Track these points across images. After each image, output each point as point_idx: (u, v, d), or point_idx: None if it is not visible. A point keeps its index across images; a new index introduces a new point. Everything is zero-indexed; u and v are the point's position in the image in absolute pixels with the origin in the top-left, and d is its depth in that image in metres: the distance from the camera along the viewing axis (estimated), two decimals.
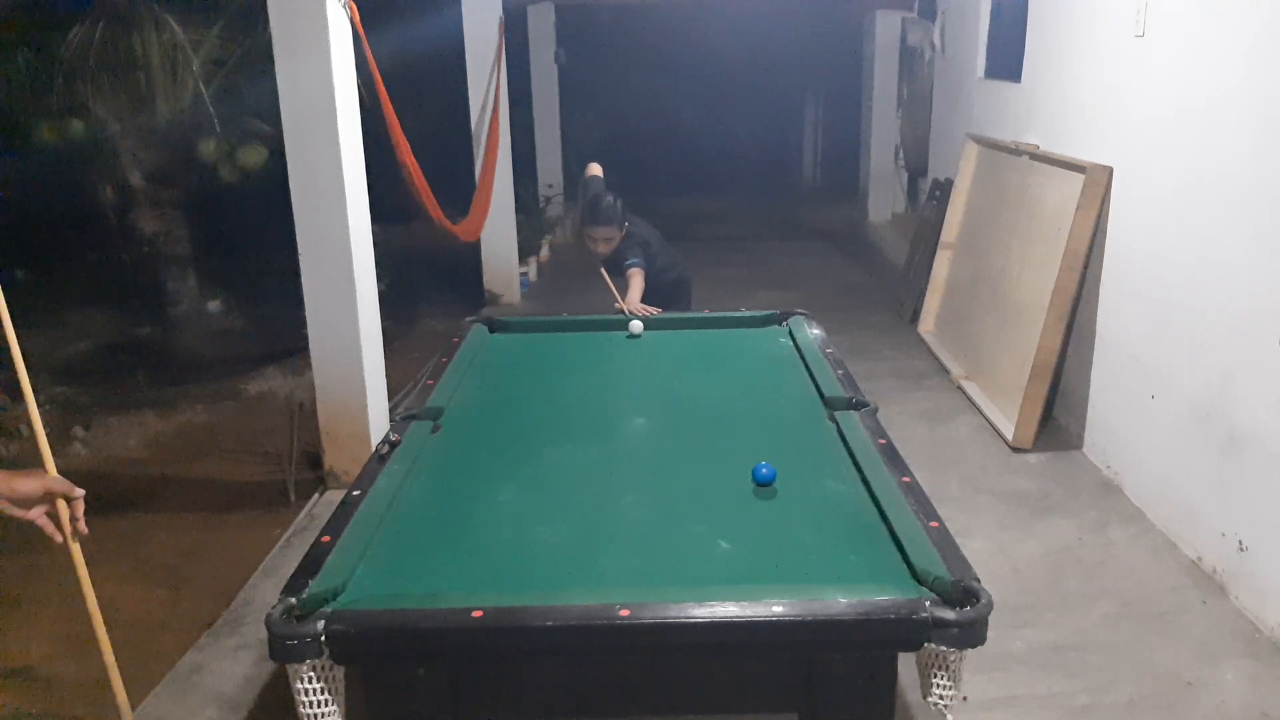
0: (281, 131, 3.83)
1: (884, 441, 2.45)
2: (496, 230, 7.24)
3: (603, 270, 4.24)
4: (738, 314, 3.82)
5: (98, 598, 1.95)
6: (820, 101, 13.01)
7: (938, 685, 1.72)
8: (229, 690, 2.91)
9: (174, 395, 5.66)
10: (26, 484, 1.74)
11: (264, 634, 1.68)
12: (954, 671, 1.70)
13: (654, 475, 2.38)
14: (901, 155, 9.25)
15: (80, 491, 1.82)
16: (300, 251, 3.93)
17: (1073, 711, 2.73)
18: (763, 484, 2.29)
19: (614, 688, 1.85)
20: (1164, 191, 3.78)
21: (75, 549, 1.86)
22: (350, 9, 3.80)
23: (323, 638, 1.65)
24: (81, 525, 1.82)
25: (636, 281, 4.18)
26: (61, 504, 1.80)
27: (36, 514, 1.77)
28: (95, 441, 5.08)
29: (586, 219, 4.31)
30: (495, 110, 6.97)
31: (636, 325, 3.66)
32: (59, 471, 1.83)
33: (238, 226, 6.86)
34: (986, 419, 4.83)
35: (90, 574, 1.94)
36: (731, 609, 1.68)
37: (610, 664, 1.83)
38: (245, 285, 7.06)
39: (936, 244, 6.35)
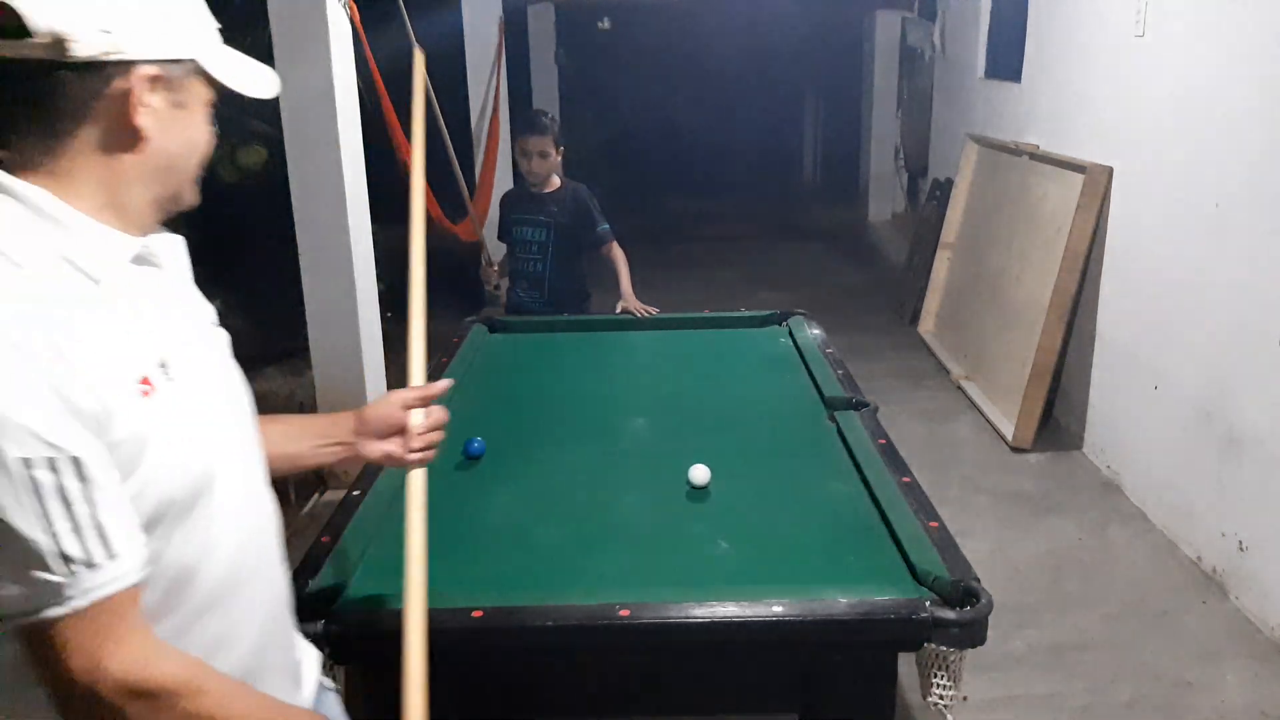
0: (281, 131, 3.83)
1: (884, 441, 2.45)
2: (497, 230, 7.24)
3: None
4: (738, 314, 3.82)
5: None
6: (820, 101, 13.01)
7: (938, 685, 1.71)
8: None
9: None
10: (381, 412, 1.47)
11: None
12: (954, 671, 1.70)
13: (654, 475, 2.38)
14: (901, 155, 9.25)
15: (439, 389, 1.53)
16: (300, 251, 3.93)
17: (1073, 711, 2.73)
18: (473, 457, 2.40)
19: (614, 688, 1.85)
20: (1164, 192, 3.78)
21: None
22: (350, 9, 3.80)
23: (323, 638, 1.65)
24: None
25: (623, 259, 3.78)
26: (415, 421, 1.48)
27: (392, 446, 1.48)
28: None
29: (518, 129, 3.84)
30: (495, 110, 6.97)
31: (700, 473, 2.24)
32: None
33: (237, 226, 6.85)
34: (986, 419, 4.83)
35: None
36: (731, 609, 1.68)
37: (610, 664, 1.83)
38: (245, 285, 7.06)
39: (936, 244, 6.35)
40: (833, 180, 12.29)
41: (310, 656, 1.43)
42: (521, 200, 3.87)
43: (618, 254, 3.82)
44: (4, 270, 0.96)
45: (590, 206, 3.81)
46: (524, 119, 3.89)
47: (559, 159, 3.75)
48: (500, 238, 4.06)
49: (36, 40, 0.95)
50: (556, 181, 3.80)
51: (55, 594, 0.95)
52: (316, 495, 4.13)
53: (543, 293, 3.85)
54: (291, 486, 4.27)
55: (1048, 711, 2.73)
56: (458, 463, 2.49)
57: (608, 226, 3.82)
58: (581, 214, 3.79)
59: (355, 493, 2.21)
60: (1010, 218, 5.26)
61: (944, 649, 1.67)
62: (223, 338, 1.26)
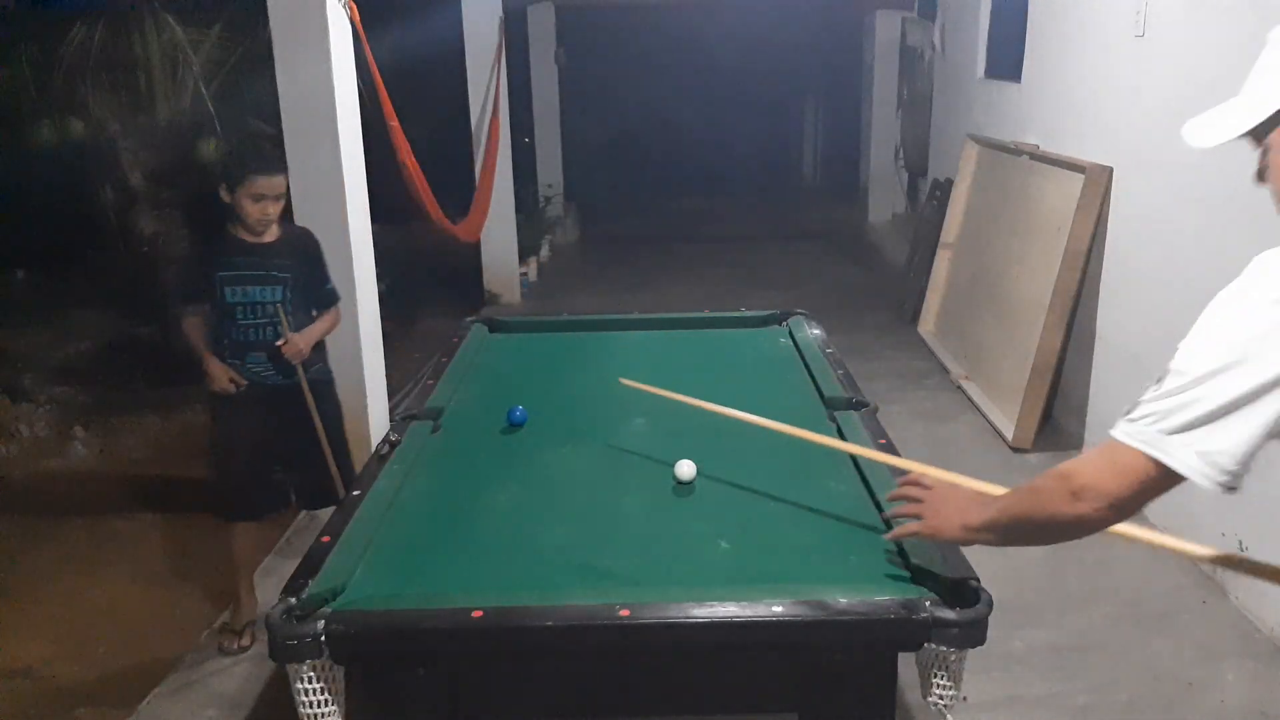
0: (281, 131, 3.83)
1: (884, 441, 2.45)
2: (496, 230, 7.24)
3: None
4: (738, 314, 3.82)
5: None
6: (820, 101, 13.01)
7: (938, 685, 1.71)
8: (229, 690, 2.91)
9: (174, 395, 5.66)
10: None
11: (264, 634, 1.68)
12: (954, 671, 1.70)
13: (654, 475, 2.38)
14: (901, 155, 9.25)
15: None
16: None
17: (1073, 711, 2.73)
18: (516, 424, 2.65)
19: (614, 688, 1.85)
20: (1164, 191, 3.78)
21: None
22: (350, 9, 3.80)
23: (323, 638, 1.65)
24: None
25: (333, 322, 3.30)
26: None
27: None
28: (95, 441, 5.08)
29: (246, 166, 3.02)
30: (495, 110, 6.97)
31: (685, 469, 2.32)
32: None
33: None
34: (986, 419, 4.83)
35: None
36: (731, 609, 1.68)
37: (610, 664, 1.83)
38: None
39: (936, 244, 6.35)
40: (833, 180, 12.30)
41: None
42: (236, 253, 3.08)
43: (332, 318, 3.32)
44: None
45: (321, 258, 3.27)
46: (254, 155, 3.14)
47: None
48: (187, 301, 3.17)
49: None
50: (276, 229, 3.12)
51: None
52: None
53: (282, 364, 3.12)
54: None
55: (1048, 711, 2.73)
56: (458, 463, 2.49)
57: (334, 286, 3.31)
58: (314, 265, 3.24)
59: (355, 493, 2.22)
60: (1010, 218, 5.26)
61: (944, 649, 1.67)
62: None
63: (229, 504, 3.30)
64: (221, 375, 3.05)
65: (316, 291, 3.24)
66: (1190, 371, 1.24)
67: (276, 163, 3.10)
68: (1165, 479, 1.30)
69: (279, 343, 3.07)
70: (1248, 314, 1.20)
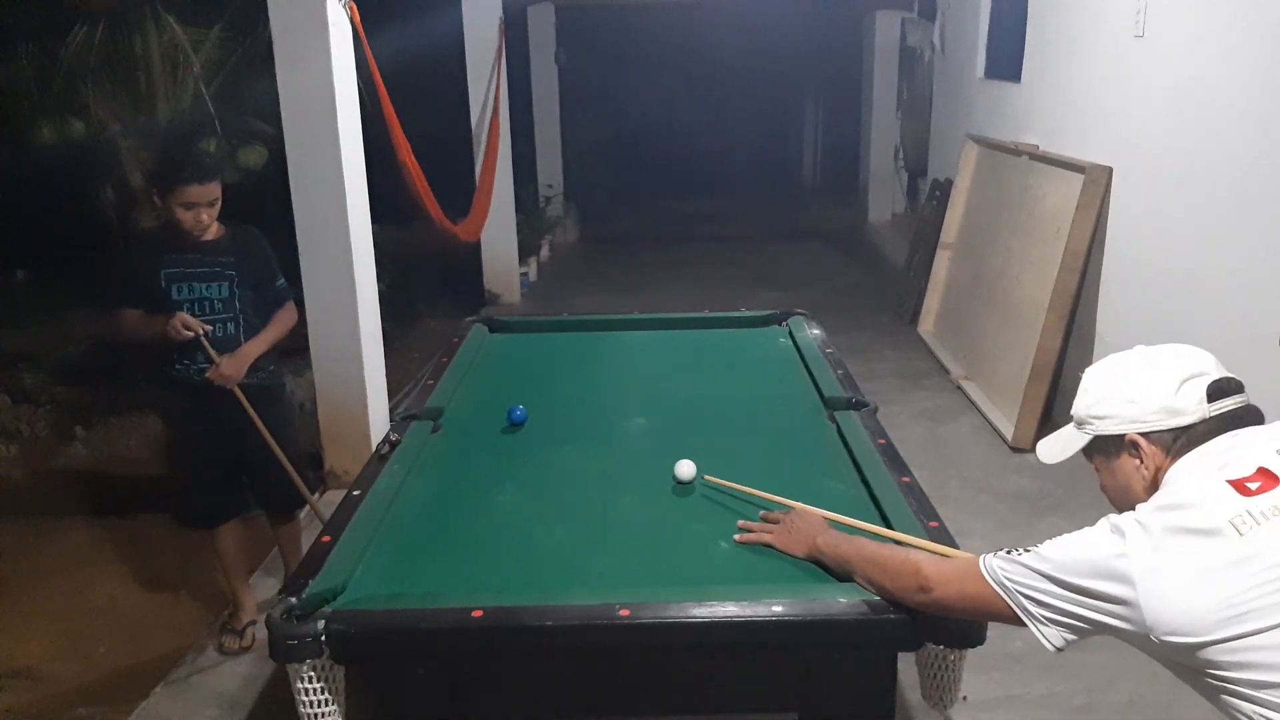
0: (281, 131, 3.83)
1: (884, 441, 2.45)
2: (496, 230, 7.25)
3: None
4: (738, 314, 3.82)
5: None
6: (820, 101, 13.02)
7: (938, 685, 1.72)
8: (229, 690, 2.91)
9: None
10: None
11: (264, 634, 1.68)
12: (954, 671, 1.70)
13: (654, 475, 2.38)
14: (901, 155, 9.26)
15: None
16: (300, 251, 3.93)
17: (1073, 711, 2.73)
18: (516, 423, 2.64)
19: (614, 688, 1.85)
20: (1164, 191, 3.78)
21: None
22: (350, 9, 3.81)
23: (323, 638, 1.65)
24: None
25: (286, 322, 3.18)
26: None
27: None
28: (95, 441, 5.07)
29: (177, 174, 2.91)
30: (495, 110, 6.98)
31: (685, 469, 2.30)
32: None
33: None
34: (986, 419, 4.83)
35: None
36: (731, 609, 1.68)
37: (610, 664, 1.83)
38: None
39: (936, 244, 6.35)
40: (833, 180, 12.30)
41: None
42: (179, 249, 2.98)
43: (286, 317, 3.20)
44: None
45: (270, 254, 3.17)
46: (185, 163, 3.01)
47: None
48: (138, 303, 3.02)
49: None
50: (217, 227, 3.03)
51: None
52: (317, 495, 4.12)
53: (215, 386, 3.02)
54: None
55: (1048, 711, 2.73)
56: (458, 463, 2.49)
57: (285, 283, 3.22)
58: (263, 262, 3.14)
59: (355, 493, 2.22)
60: (1010, 218, 5.26)
61: (944, 649, 1.67)
62: None
63: (187, 511, 3.35)
64: (176, 321, 2.90)
65: (268, 289, 3.15)
66: (1053, 561, 1.41)
67: (209, 170, 2.96)
68: (1007, 617, 1.45)
69: (207, 373, 2.99)
70: (1104, 539, 1.37)
